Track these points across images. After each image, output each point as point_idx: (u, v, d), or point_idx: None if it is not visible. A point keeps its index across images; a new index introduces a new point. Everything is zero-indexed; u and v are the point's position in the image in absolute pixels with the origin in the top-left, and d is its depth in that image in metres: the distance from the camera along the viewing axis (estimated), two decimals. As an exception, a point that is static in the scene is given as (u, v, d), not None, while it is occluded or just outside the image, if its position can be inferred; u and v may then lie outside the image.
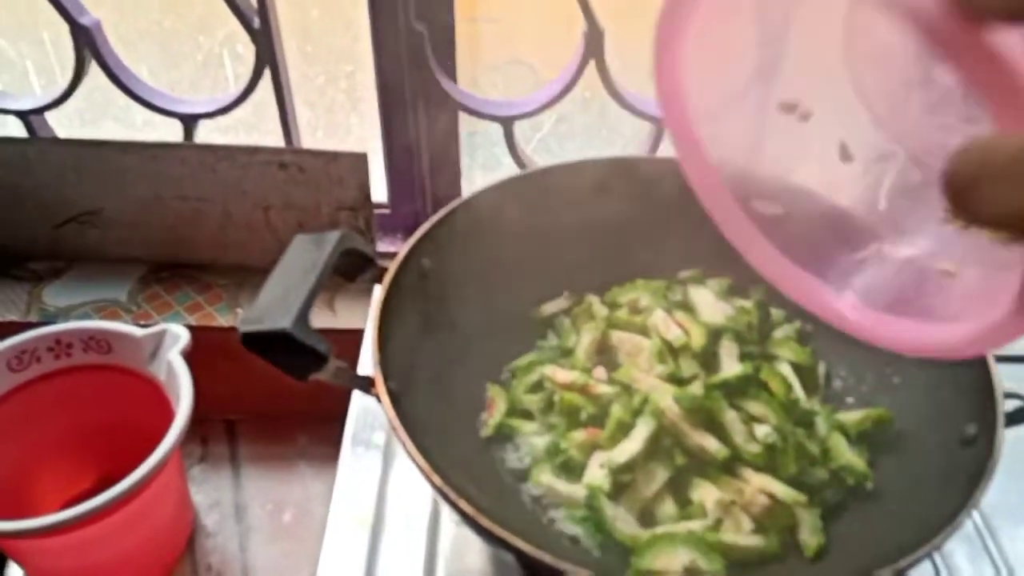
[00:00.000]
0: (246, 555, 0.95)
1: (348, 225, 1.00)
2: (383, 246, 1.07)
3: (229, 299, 1.03)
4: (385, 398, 0.56)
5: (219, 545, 0.96)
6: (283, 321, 0.56)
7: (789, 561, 0.59)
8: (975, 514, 0.72)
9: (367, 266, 0.67)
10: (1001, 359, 0.60)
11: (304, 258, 0.63)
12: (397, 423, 0.55)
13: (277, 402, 1.05)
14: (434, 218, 0.70)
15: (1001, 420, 0.55)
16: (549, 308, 0.77)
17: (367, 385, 0.59)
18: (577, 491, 0.63)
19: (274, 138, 0.99)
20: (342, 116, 1.02)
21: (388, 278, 0.65)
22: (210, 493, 1.02)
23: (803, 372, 0.70)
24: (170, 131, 1.01)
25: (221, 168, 0.97)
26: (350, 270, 0.67)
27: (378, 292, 0.64)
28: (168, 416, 0.83)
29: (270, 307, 0.57)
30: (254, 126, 1.04)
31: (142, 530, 0.87)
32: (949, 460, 0.58)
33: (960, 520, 0.49)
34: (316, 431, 1.08)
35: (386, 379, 0.59)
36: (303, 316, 0.57)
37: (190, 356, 0.87)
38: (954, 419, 0.60)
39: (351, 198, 0.98)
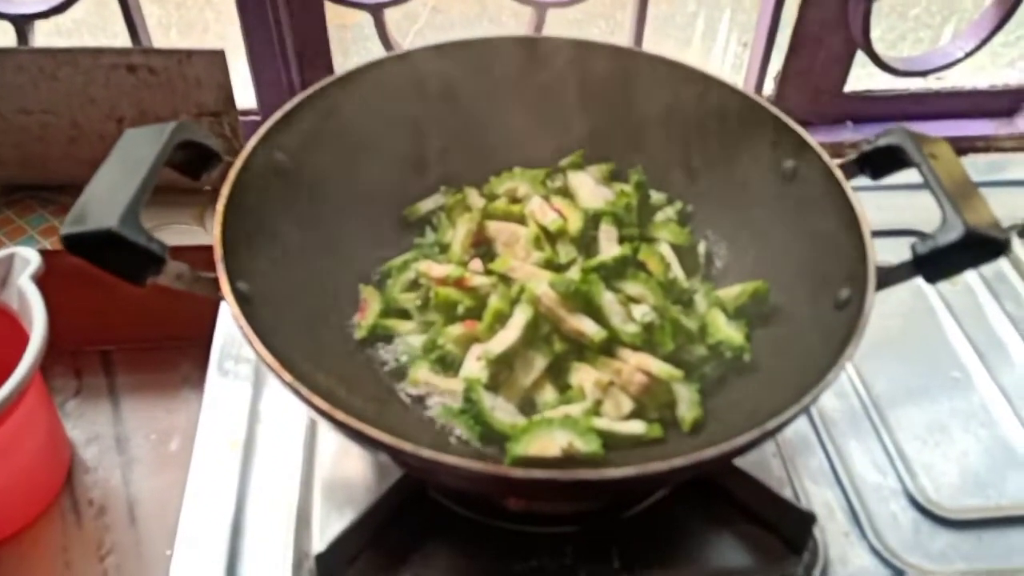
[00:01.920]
0: (130, 488, 0.90)
1: (212, 132, 0.93)
2: (256, 155, 1.00)
3: (88, 220, 0.95)
4: (231, 299, 0.52)
5: (100, 479, 0.91)
6: (108, 220, 0.50)
7: (668, 436, 0.58)
8: (858, 384, 0.73)
9: (212, 161, 0.61)
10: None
11: (135, 152, 0.57)
12: (243, 322, 0.50)
13: (154, 328, 0.99)
14: (286, 107, 0.65)
15: (872, 279, 0.54)
16: (425, 205, 0.73)
17: (215, 288, 0.54)
18: (456, 385, 0.60)
19: (122, 40, 0.90)
20: (196, 12, 0.93)
21: (234, 171, 0.59)
22: (87, 428, 0.95)
23: (683, 253, 0.68)
24: (2, 36, 0.91)
25: (63, 74, 0.88)
26: (193, 166, 0.61)
27: (224, 188, 0.59)
28: (26, 346, 0.76)
29: (93, 206, 0.52)
30: (99, 27, 0.94)
31: (8, 467, 0.81)
32: (824, 325, 0.57)
33: (830, 377, 0.49)
34: (199, 356, 1.01)
35: (234, 280, 0.54)
36: (132, 213, 0.51)
37: (51, 284, 0.80)
38: (829, 285, 0.59)
39: (212, 101, 0.90)
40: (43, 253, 0.83)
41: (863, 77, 1.04)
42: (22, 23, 0.89)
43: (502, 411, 0.58)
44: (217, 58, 0.87)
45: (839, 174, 0.62)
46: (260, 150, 0.62)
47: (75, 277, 0.84)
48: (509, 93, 0.73)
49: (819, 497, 0.64)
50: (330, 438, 0.67)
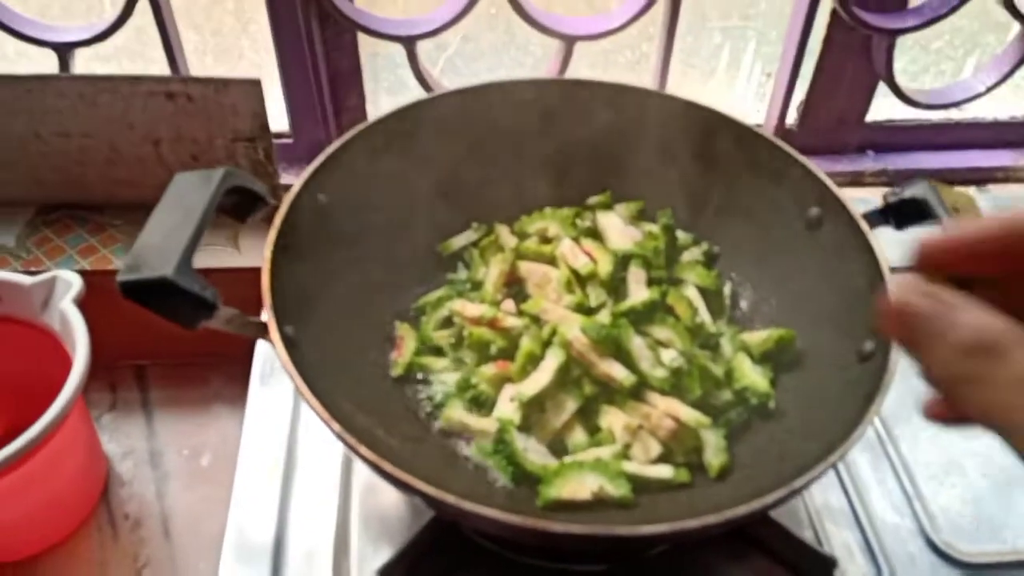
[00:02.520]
0: (164, 502, 0.93)
1: (246, 158, 0.95)
2: (287, 178, 1.02)
3: (125, 240, 0.98)
4: (279, 346, 0.54)
5: (135, 493, 0.94)
6: (163, 268, 0.53)
7: (695, 481, 0.60)
8: (876, 422, 0.75)
9: (259, 204, 0.63)
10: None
11: (186, 198, 0.59)
12: (292, 370, 0.53)
13: (187, 344, 1.01)
14: (328, 150, 0.67)
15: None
16: (458, 242, 0.75)
17: (263, 332, 0.57)
18: (489, 425, 0.62)
19: (160, 67, 0.93)
20: (232, 39, 0.95)
21: (280, 217, 0.61)
22: (123, 441, 0.98)
23: (709, 295, 0.70)
24: (46, 63, 0.93)
25: (103, 101, 0.90)
26: (240, 209, 0.63)
27: (271, 235, 0.61)
28: (68, 366, 0.79)
29: (149, 253, 0.54)
30: (138, 53, 0.97)
31: (50, 483, 0.84)
32: (848, 377, 0.59)
33: (857, 434, 0.51)
34: (230, 372, 1.05)
35: (281, 325, 0.56)
36: (185, 261, 0.54)
37: (88, 301, 0.82)
38: (853, 336, 0.61)
39: (247, 128, 0.93)
40: (80, 273, 0.86)
41: (885, 107, 1.05)
42: (64, 51, 0.92)
43: (534, 452, 0.61)
44: (253, 87, 0.89)
45: (864, 225, 0.63)
46: (304, 193, 0.64)
47: (111, 295, 0.86)
48: (537, 133, 0.75)
49: (839, 538, 0.66)
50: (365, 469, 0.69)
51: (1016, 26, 0.99)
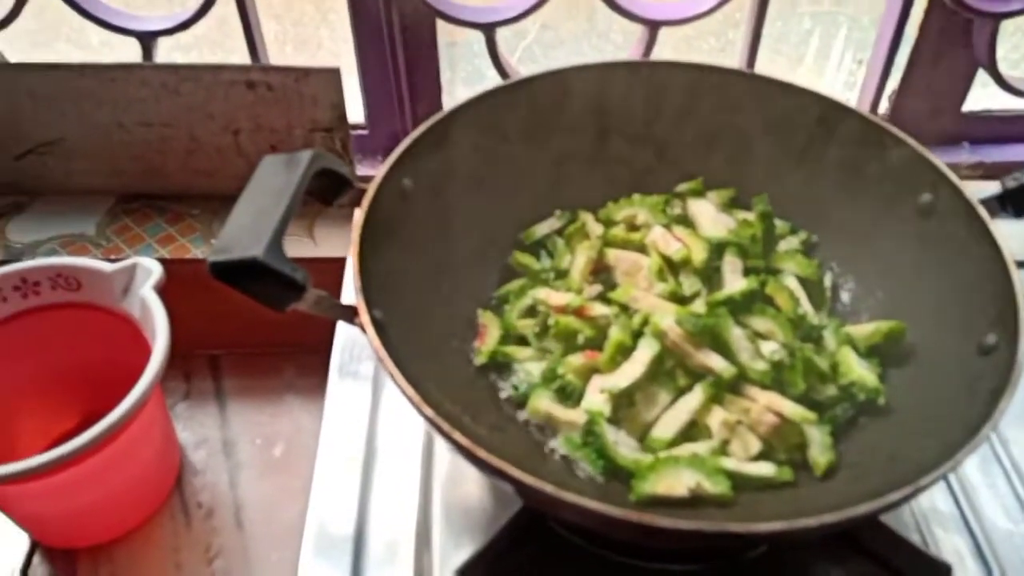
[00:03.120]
0: (237, 491, 0.93)
1: (324, 147, 0.95)
2: (362, 169, 1.02)
3: (203, 230, 0.98)
4: (370, 328, 0.53)
5: (208, 482, 0.94)
6: (254, 249, 0.51)
7: (799, 480, 0.57)
8: (992, 435, 0.69)
9: (344, 188, 0.62)
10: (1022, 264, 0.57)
11: (274, 180, 0.58)
12: (383, 354, 0.51)
13: (260, 334, 1.01)
14: (414, 134, 0.66)
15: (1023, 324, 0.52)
16: (541, 229, 0.73)
17: (351, 315, 0.55)
18: (576, 416, 0.60)
19: (240, 55, 0.93)
20: (311, 29, 0.95)
21: (367, 200, 0.60)
22: (196, 430, 0.99)
23: (809, 286, 0.66)
24: (128, 52, 0.94)
25: (185, 89, 0.91)
26: (326, 193, 0.62)
27: (358, 216, 0.60)
28: (146, 353, 0.79)
29: (239, 235, 0.53)
30: (218, 43, 0.97)
31: (127, 470, 0.84)
32: (967, 371, 0.55)
33: (982, 435, 0.47)
34: (303, 362, 1.04)
35: (370, 308, 0.55)
36: (276, 243, 0.53)
37: (166, 290, 0.83)
38: (972, 328, 0.57)
39: (325, 118, 0.92)
40: (160, 261, 0.86)
41: (981, 97, 1.00)
42: (147, 39, 0.92)
43: (624, 446, 0.58)
44: (333, 77, 0.89)
45: (983, 211, 0.59)
46: (391, 177, 0.63)
47: (187, 284, 0.87)
48: (624, 118, 0.73)
49: (948, 544, 0.62)
50: (447, 456, 0.67)
51: None
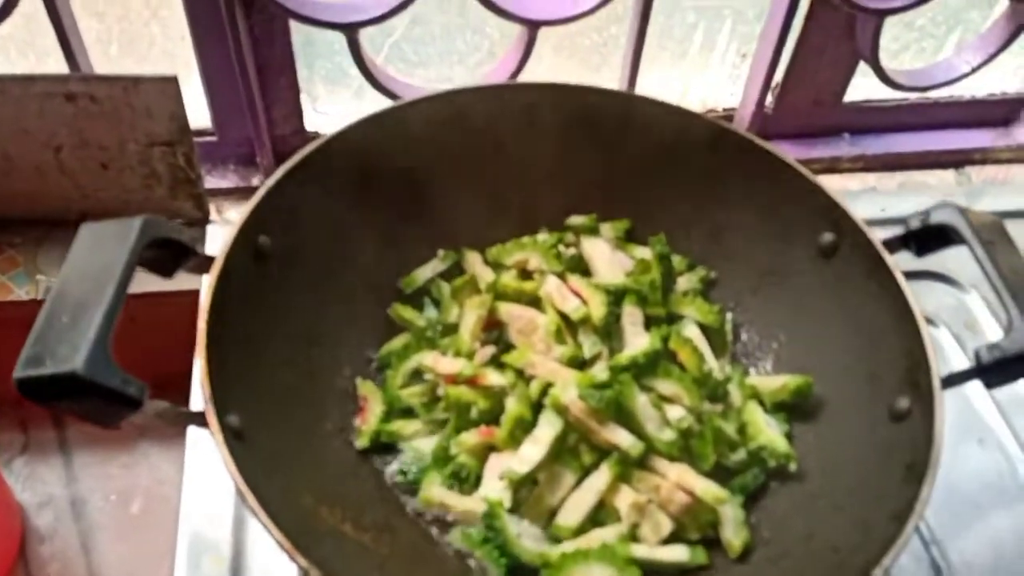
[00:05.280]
0: (91, 558, 0.83)
1: (164, 163, 0.83)
2: (212, 181, 0.90)
3: (26, 263, 0.85)
4: (224, 448, 0.44)
5: (58, 550, 0.83)
6: (72, 360, 0.42)
7: (715, 562, 0.53)
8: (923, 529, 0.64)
9: (185, 256, 0.52)
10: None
11: (96, 260, 0.48)
12: (240, 481, 0.43)
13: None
14: (268, 183, 0.56)
15: (939, 395, 0.50)
16: (423, 273, 0.66)
17: (202, 421, 0.47)
18: (474, 505, 0.54)
19: (56, 60, 0.78)
20: (140, 26, 0.81)
21: (215, 274, 0.51)
22: (39, 489, 0.87)
23: (710, 332, 0.62)
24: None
25: (-11, 103, 0.76)
26: (164, 264, 0.53)
27: (204, 292, 0.51)
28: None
29: (52, 339, 0.43)
30: (28, 43, 0.82)
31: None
32: (879, 438, 0.53)
33: (908, 531, 0.44)
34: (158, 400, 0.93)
35: (223, 414, 0.46)
36: (99, 347, 0.43)
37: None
38: (881, 386, 0.54)
39: (163, 131, 0.80)
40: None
41: (859, 87, 0.98)
42: (-66, 42, 0.77)
43: (528, 536, 0.53)
44: (169, 86, 0.77)
45: (886, 254, 0.56)
46: (242, 239, 0.53)
47: (12, 327, 0.74)
48: (517, 145, 0.66)
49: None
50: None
51: (1003, 2, 0.93)
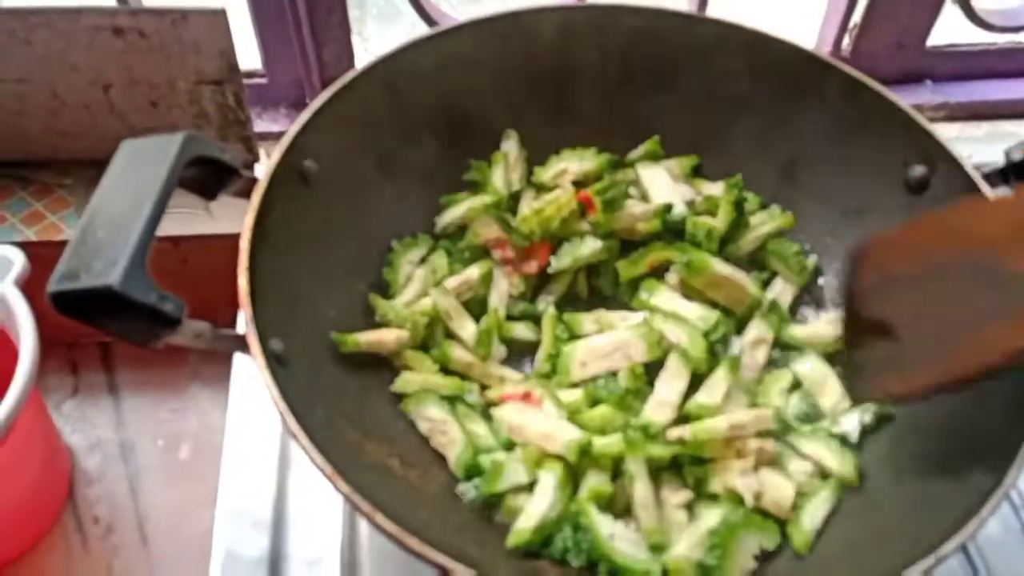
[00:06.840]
0: (138, 502, 0.82)
1: (213, 103, 0.81)
2: (262, 125, 0.88)
3: (77, 203, 0.84)
4: (266, 372, 0.42)
5: (106, 493, 0.82)
6: (108, 274, 0.40)
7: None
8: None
9: (228, 177, 0.50)
10: None
11: (137, 175, 0.46)
12: (284, 408, 0.41)
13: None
14: (313, 105, 0.54)
15: None
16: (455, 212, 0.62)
17: (243, 346, 0.45)
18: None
19: (103, -8, 0.77)
20: (189, -41, 0.79)
21: (259, 194, 0.48)
22: (88, 432, 0.87)
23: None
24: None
25: (38, 38, 0.75)
26: (206, 185, 0.50)
27: (249, 211, 0.48)
28: (13, 356, 0.67)
29: (89, 253, 0.41)
30: (76, -23, 0.80)
31: (7, 492, 0.73)
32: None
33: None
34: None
35: (265, 338, 0.44)
36: (137, 264, 0.41)
37: (39, 275, 0.69)
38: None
39: (212, 68, 0.78)
40: (25, 246, 0.72)
41: (943, 31, 0.91)
42: (-16, -25, 0.76)
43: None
44: (218, 19, 0.75)
45: (986, 188, 0.51)
46: (287, 161, 0.51)
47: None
48: (561, 68, 0.62)
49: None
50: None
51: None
